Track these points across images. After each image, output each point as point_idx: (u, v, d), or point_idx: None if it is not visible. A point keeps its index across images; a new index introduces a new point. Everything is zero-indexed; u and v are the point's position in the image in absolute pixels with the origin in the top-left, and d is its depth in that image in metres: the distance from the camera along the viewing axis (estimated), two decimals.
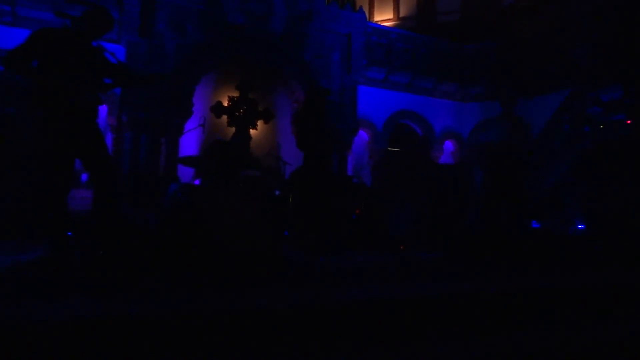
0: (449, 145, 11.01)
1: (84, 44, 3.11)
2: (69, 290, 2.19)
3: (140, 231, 3.30)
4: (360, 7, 9.84)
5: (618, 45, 7.96)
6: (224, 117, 8.72)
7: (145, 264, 2.92)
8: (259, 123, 8.98)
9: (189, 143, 8.12)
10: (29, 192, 5.91)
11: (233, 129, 8.39)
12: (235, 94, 8.79)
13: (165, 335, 1.62)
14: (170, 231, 3.26)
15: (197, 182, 6.09)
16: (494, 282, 2.80)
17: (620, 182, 6.09)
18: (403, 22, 12.57)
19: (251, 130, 8.85)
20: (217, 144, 4.85)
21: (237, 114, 8.70)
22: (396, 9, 13.10)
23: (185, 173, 7.51)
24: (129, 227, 3.37)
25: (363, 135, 9.98)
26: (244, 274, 2.86)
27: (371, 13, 13.03)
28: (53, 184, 2.95)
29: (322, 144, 4.91)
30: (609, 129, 7.40)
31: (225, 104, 8.74)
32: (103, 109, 7.49)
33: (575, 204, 6.43)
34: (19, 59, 2.88)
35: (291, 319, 1.80)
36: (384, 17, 13.07)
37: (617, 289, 2.74)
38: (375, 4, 13.31)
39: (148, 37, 7.53)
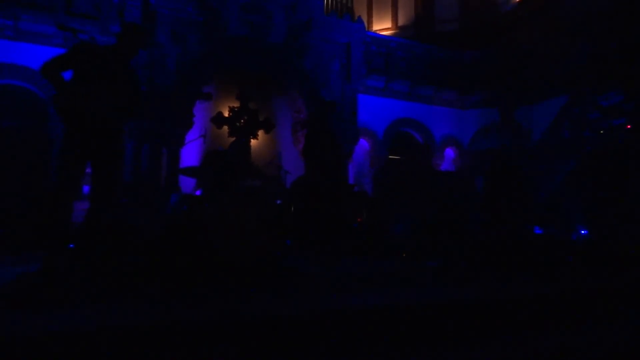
0: (449, 152, 11.02)
1: (119, 63, 3.15)
2: (68, 301, 2.19)
3: (141, 241, 3.30)
4: (359, 17, 9.92)
5: (618, 50, 7.99)
6: (225, 128, 8.76)
7: (147, 274, 2.91)
8: (260, 133, 9.01)
9: (191, 154, 8.15)
10: (27, 204, 5.92)
11: (234, 139, 8.41)
12: (236, 104, 8.84)
13: (168, 344, 1.61)
14: (172, 241, 3.25)
15: (198, 192, 6.10)
16: (490, 291, 2.78)
17: (621, 186, 6.07)
18: (402, 31, 12.66)
19: (252, 140, 8.88)
20: (213, 155, 4.86)
21: (237, 124, 8.74)
22: (395, 18, 13.20)
23: (187, 184, 7.52)
24: (131, 237, 3.37)
25: (364, 143, 10.00)
26: (246, 283, 2.85)
27: (370, 22, 13.12)
28: (59, 191, 2.99)
29: (331, 155, 4.93)
30: (609, 134, 7.40)
31: (226, 114, 8.78)
32: None
33: (577, 209, 6.41)
34: (53, 68, 2.95)
35: (293, 326, 1.79)
36: (382, 26, 13.17)
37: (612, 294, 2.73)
38: (374, 14, 13.42)
39: (149, 48, 7.59)
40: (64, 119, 2.96)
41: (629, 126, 7.05)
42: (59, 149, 3.04)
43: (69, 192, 3.02)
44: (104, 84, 3.00)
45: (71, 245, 3.43)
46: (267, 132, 9.11)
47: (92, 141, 2.98)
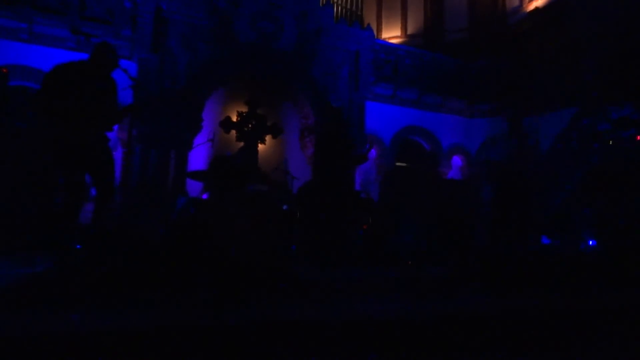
0: (456, 160, 10.99)
1: (96, 78, 3.38)
2: (75, 303, 2.20)
3: (147, 244, 3.32)
4: (369, 25, 9.97)
5: (627, 61, 7.95)
6: (233, 132, 8.81)
7: (152, 278, 2.92)
8: (268, 138, 9.06)
9: (199, 157, 8.20)
10: (35, 205, 5.97)
11: (242, 144, 8.47)
12: (244, 109, 8.90)
13: (173, 348, 1.61)
14: (178, 245, 3.27)
15: (205, 196, 6.12)
16: (493, 303, 2.76)
17: (630, 198, 6.02)
18: (411, 40, 12.69)
19: (260, 145, 8.92)
20: (219, 159, 4.90)
21: (245, 129, 8.80)
22: (404, 27, 13.25)
23: (194, 187, 7.56)
24: (137, 239, 3.39)
25: (371, 150, 10.00)
26: (252, 288, 2.85)
27: (379, 30, 13.18)
28: (67, 200, 3.26)
29: (342, 161, 4.97)
30: (618, 145, 7.35)
31: (234, 119, 8.84)
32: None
33: (585, 220, 6.35)
34: (44, 102, 3.17)
35: (298, 333, 1.79)
36: (391, 34, 13.22)
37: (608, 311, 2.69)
38: (383, 22, 13.48)
39: (160, 53, 7.68)
40: (57, 141, 3.18)
41: (639, 137, 6.99)
42: (57, 167, 3.37)
43: (75, 202, 3.28)
44: (84, 103, 3.20)
45: (78, 246, 3.48)
46: (274, 137, 9.16)
47: (79, 155, 3.22)
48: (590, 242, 5.99)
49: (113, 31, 7.46)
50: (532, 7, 11.28)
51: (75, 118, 3.14)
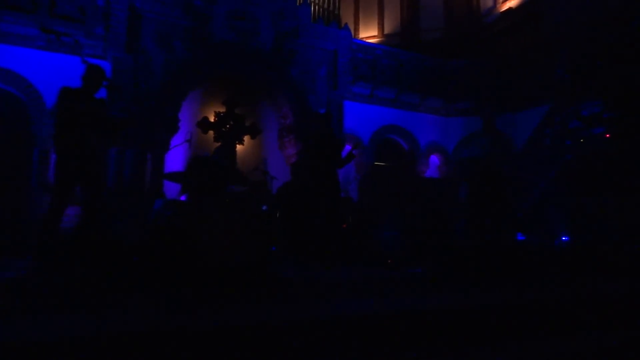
0: (434, 159, 11.14)
1: (91, 99, 3.81)
2: (50, 307, 2.14)
3: (124, 247, 3.26)
4: (346, 24, 10.00)
5: (597, 60, 8.20)
6: (211, 133, 8.72)
7: (129, 280, 2.88)
8: (246, 138, 8.99)
9: (176, 159, 8.08)
10: (11, 210, 5.80)
11: (219, 145, 8.37)
12: (222, 109, 8.81)
13: (150, 353, 1.59)
14: (155, 247, 3.22)
15: (183, 198, 6.04)
16: (472, 298, 2.81)
17: (600, 194, 6.22)
18: (388, 39, 12.80)
19: (238, 146, 8.85)
20: (196, 160, 4.85)
21: (223, 129, 8.71)
22: (381, 26, 13.35)
23: (171, 189, 7.45)
24: (114, 243, 3.33)
25: (349, 149, 10.03)
26: (231, 290, 2.83)
27: (356, 30, 13.25)
28: (54, 207, 3.55)
29: (332, 163, 5.07)
30: (590, 142, 7.58)
31: (212, 119, 8.74)
32: None
33: (559, 216, 6.53)
34: (69, 117, 3.64)
35: (278, 334, 1.79)
36: (369, 33, 13.30)
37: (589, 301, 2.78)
38: (361, 21, 13.56)
39: (134, 52, 7.52)
40: (61, 152, 3.64)
41: (608, 135, 7.22)
42: (54, 175, 3.69)
43: (61, 209, 3.61)
44: (88, 123, 3.65)
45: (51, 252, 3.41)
46: (253, 137, 9.10)
47: (79, 169, 3.63)
48: (563, 238, 6.16)
49: (85, 30, 7.26)
50: (505, 7, 11.53)
51: (83, 133, 3.62)
